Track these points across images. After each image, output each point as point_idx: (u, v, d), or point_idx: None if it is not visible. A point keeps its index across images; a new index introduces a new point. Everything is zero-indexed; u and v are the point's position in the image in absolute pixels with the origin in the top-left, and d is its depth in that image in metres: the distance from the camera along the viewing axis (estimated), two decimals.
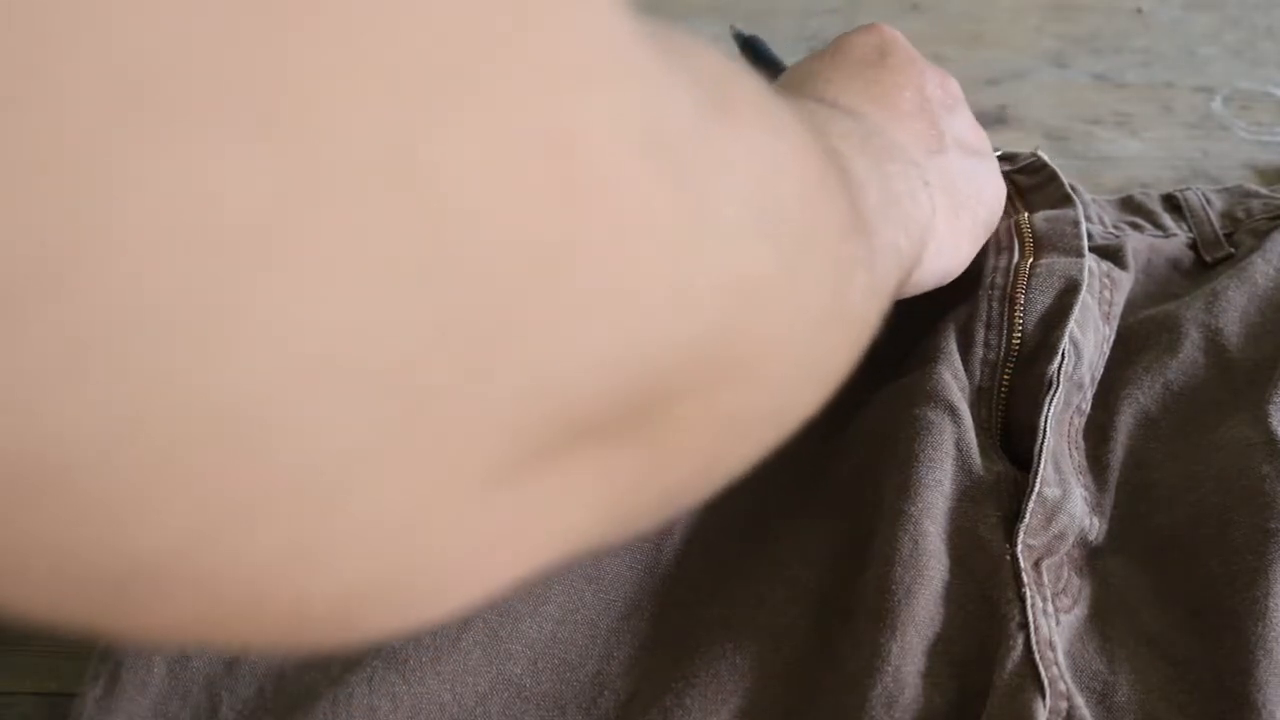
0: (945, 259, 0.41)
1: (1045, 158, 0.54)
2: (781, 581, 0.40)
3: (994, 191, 0.46)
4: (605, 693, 0.38)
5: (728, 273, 0.18)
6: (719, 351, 0.18)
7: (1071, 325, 0.45)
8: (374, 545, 0.15)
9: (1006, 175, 0.54)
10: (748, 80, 0.22)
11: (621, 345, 0.16)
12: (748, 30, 0.65)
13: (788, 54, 0.71)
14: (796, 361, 0.23)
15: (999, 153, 0.56)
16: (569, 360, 0.15)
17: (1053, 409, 0.42)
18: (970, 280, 0.48)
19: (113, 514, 0.13)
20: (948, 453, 0.41)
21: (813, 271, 0.23)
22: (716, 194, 0.18)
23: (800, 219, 0.22)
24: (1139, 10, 0.73)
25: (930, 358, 0.45)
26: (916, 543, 0.39)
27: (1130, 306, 0.50)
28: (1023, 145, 0.63)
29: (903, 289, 0.39)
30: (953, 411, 0.42)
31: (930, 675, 0.37)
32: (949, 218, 0.41)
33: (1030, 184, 0.53)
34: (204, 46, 0.11)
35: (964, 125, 0.46)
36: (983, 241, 0.45)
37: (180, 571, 0.14)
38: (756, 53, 0.63)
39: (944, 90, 0.45)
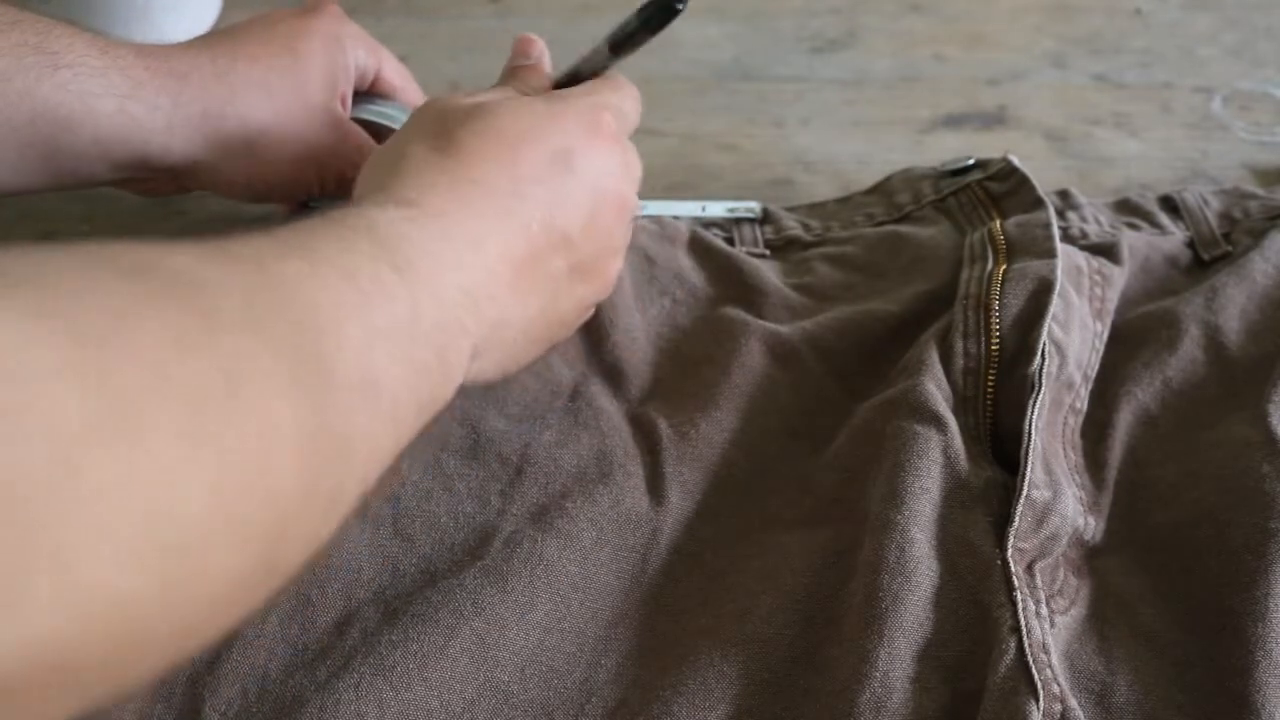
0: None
1: (1016, 162, 0.54)
2: (768, 591, 0.40)
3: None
4: (592, 700, 0.38)
5: None
6: None
7: (1050, 325, 0.44)
8: None
9: (978, 184, 0.54)
10: None
11: None
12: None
13: (788, 54, 0.71)
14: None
15: (971, 160, 0.55)
16: None
17: (1038, 411, 0.42)
18: (949, 293, 0.48)
19: None
20: (935, 461, 0.41)
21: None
22: None
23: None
24: (1138, 11, 0.73)
25: (913, 370, 0.45)
26: (904, 550, 0.38)
27: (1128, 302, 0.49)
28: (1023, 145, 0.63)
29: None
30: (938, 421, 0.42)
31: (920, 680, 0.37)
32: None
33: (1002, 191, 0.53)
34: None
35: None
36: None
37: None
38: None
39: None
